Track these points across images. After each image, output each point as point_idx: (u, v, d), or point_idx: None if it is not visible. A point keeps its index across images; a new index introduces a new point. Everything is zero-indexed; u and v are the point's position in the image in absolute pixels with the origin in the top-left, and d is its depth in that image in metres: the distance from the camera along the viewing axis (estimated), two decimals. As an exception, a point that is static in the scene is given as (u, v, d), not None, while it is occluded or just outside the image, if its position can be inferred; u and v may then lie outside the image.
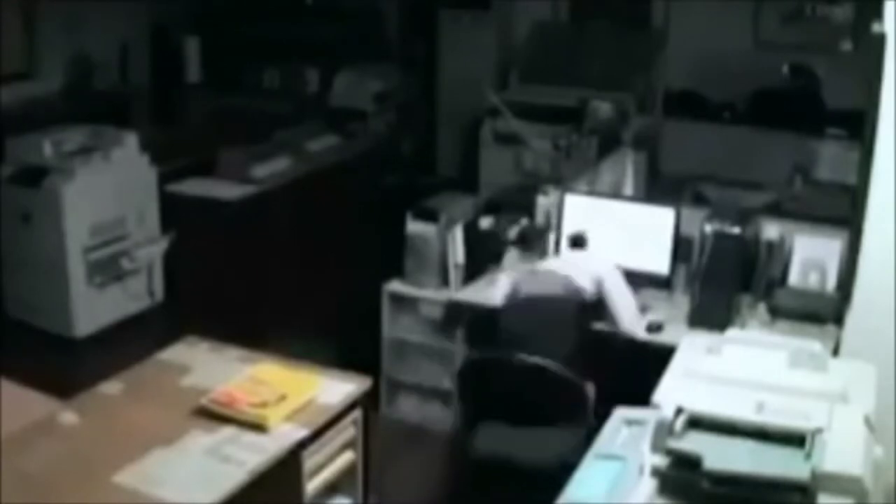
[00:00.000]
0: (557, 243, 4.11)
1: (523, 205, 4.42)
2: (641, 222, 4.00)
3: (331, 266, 5.55)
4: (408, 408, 4.42)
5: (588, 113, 6.07)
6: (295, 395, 2.87)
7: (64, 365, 4.70)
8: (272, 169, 5.78)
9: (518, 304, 3.66)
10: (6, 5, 6.24)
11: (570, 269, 3.68)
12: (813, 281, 3.80)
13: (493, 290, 3.99)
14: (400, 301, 4.34)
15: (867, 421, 2.00)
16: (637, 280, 3.97)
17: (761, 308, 3.77)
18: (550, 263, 3.85)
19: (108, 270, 5.24)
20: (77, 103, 6.52)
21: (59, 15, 6.60)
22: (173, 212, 5.51)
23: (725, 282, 3.63)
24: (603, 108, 6.06)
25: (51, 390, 3.43)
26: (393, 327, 4.36)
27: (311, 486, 2.85)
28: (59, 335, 5.10)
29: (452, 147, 7.51)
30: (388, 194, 6.29)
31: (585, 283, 3.62)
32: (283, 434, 2.76)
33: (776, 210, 4.95)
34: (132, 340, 4.93)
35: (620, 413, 2.28)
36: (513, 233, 4.34)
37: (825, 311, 3.65)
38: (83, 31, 6.78)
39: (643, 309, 3.85)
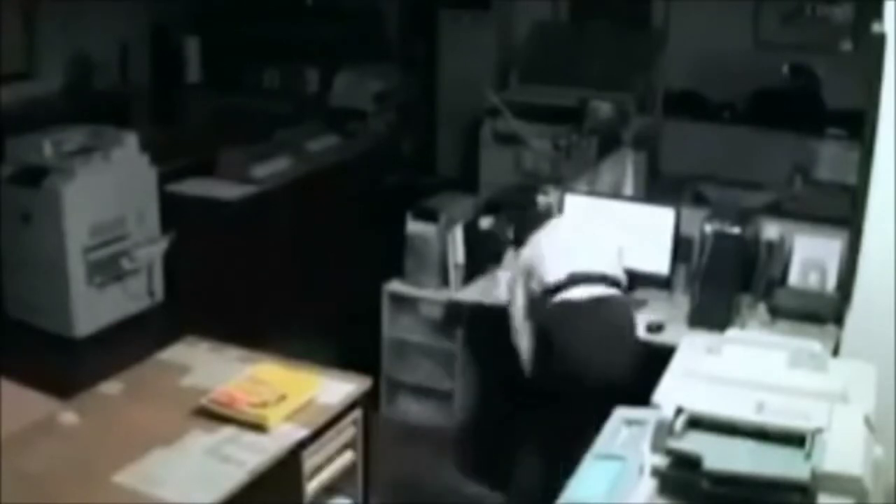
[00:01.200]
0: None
1: (523, 205, 4.41)
2: (641, 222, 4.00)
3: (331, 266, 5.55)
4: (408, 408, 4.42)
5: (588, 113, 6.07)
6: (295, 395, 2.87)
7: (64, 365, 4.70)
8: (272, 169, 5.79)
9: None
10: (6, 5, 6.24)
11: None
12: (813, 281, 3.80)
13: (495, 290, 3.96)
14: (400, 301, 4.34)
15: (867, 421, 2.00)
16: (637, 280, 3.98)
17: (761, 308, 3.77)
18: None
19: (108, 270, 5.24)
20: (77, 103, 6.52)
21: (59, 15, 6.60)
22: (173, 212, 5.51)
23: (725, 282, 3.63)
24: (603, 108, 6.06)
25: (51, 390, 3.43)
26: (393, 327, 4.37)
27: (311, 486, 2.85)
28: (59, 335, 5.10)
29: (452, 147, 7.50)
30: (388, 194, 6.29)
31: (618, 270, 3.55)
32: (283, 434, 2.75)
33: (776, 210, 4.95)
34: (132, 340, 4.93)
35: (620, 413, 2.27)
36: (513, 233, 4.34)
37: (825, 311, 3.65)
38: (83, 31, 6.78)
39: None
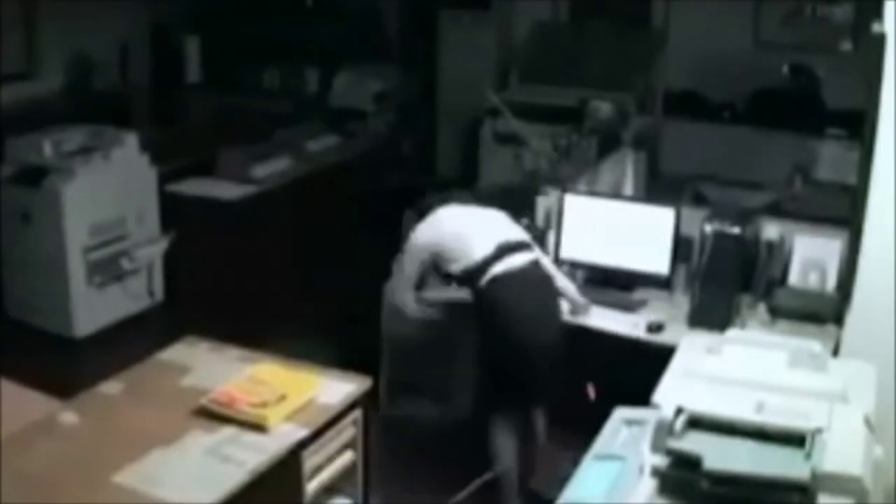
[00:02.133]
0: (557, 244, 4.11)
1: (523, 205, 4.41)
2: (641, 222, 4.00)
3: (331, 266, 5.55)
4: (408, 408, 4.41)
5: (588, 113, 6.06)
6: (295, 395, 2.87)
7: (64, 365, 4.70)
8: (272, 169, 5.79)
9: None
10: (6, 5, 6.24)
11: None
12: (813, 281, 3.80)
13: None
14: (400, 301, 4.33)
15: (867, 421, 2.00)
16: (637, 280, 3.98)
17: (761, 308, 3.77)
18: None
19: (108, 270, 5.24)
20: (77, 103, 6.52)
21: (59, 15, 6.59)
22: (173, 212, 5.51)
23: (725, 282, 3.62)
24: (603, 108, 6.06)
25: (51, 390, 3.43)
26: (393, 327, 4.36)
27: (311, 486, 2.85)
28: (59, 335, 5.09)
29: (452, 147, 7.51)
30: (388, 194, 6.29)
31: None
32: (283, 434, 2.75)
33: (776, 210, 4.95)
34: (132, 340, 4.93)
35: (620, 413, 2.28)
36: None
37: (825, 311, 3.65)
38: (83, 31, 6.78)
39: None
